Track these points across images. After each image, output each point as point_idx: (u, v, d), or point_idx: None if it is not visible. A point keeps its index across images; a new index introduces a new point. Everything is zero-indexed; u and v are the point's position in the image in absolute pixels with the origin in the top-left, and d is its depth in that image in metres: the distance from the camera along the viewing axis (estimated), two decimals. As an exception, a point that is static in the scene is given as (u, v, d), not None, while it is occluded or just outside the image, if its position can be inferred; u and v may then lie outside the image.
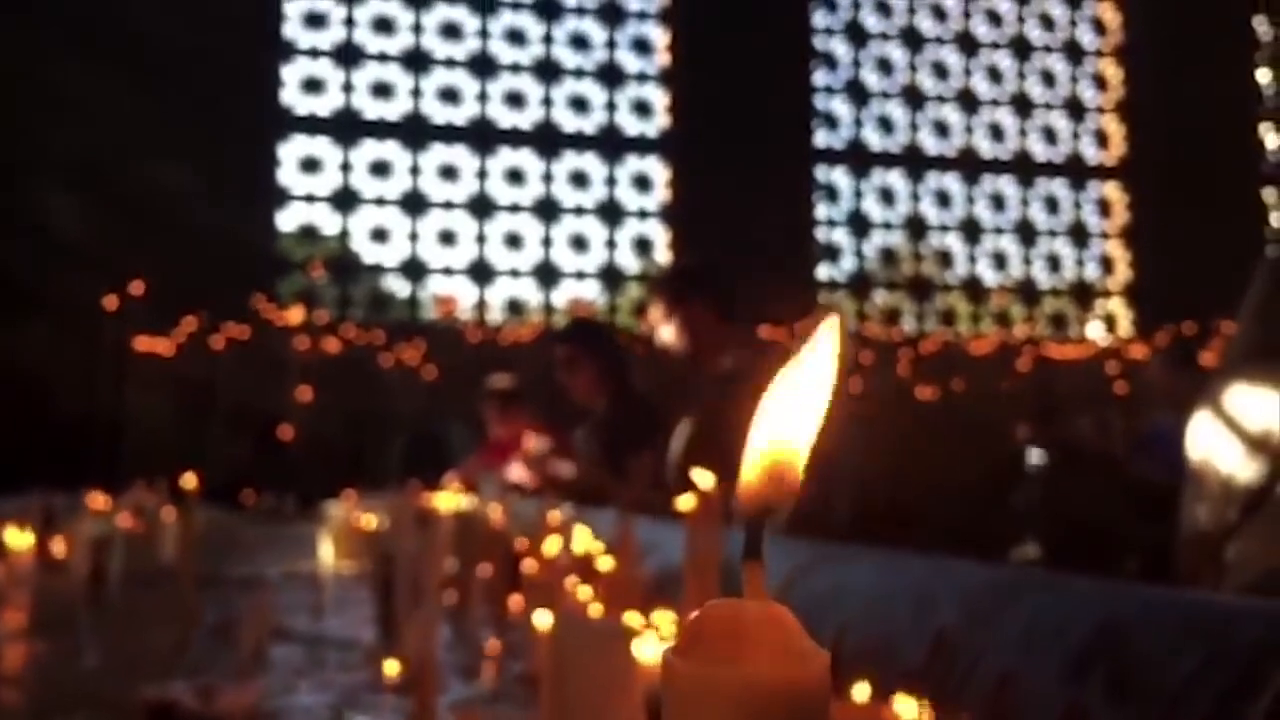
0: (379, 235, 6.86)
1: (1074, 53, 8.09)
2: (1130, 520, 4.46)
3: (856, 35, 7.69)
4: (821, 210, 7.47)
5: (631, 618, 1.11)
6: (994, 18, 7.98)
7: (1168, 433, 4.41)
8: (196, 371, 5.96)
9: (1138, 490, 4.48)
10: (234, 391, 6.02)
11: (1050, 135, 7.99)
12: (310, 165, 6.76)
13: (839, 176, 7.57)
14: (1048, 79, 8.04)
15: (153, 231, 6.00)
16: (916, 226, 7.71)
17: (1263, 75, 8.31)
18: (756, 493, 0.34)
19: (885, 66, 7.75)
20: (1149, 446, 4.58)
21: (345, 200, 6.80)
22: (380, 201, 6.87)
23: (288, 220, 6.73)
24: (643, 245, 7.26)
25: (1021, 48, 8.00)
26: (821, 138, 7.53)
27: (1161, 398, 4.59)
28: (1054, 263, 7.91)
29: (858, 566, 1.44)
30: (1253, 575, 1.87)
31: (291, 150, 6.73)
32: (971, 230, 7.77)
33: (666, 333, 3.13)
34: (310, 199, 6.75)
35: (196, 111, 6.17)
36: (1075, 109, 8.05)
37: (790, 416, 0.35)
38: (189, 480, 1.97)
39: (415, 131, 6.96)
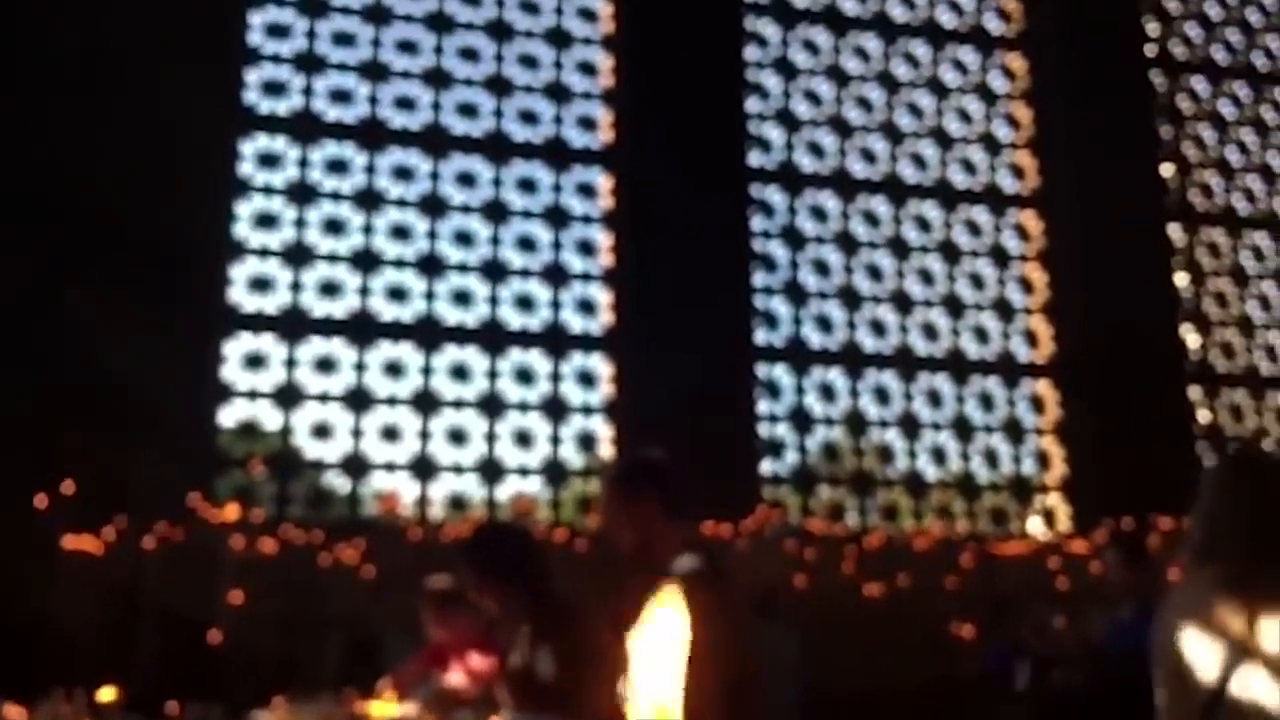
0: (321, 431, 6.82)
1: (1001, 257, 8.45)
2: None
3: (794, 239, 7.98)
4: (764, 406, 7.58)
5: None
6: (923, 223, 8.34)
7: (1132, 625, 4.50)
8: (125, 572, 5.77)
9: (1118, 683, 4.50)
10: (163, 594, 5.82)
11: (981, 334, 8.25)
12: (254, 361, 6.77)
13: (780, 373, 7.72)
14: (977, 281, 8.36)
15: (90, 426, 5.91)
16: (857, 422, 7.83)
17: (1180, 279, 8.72)
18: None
19: (822, 268, 8.02)
20: (1118, 639, 4.62)
21: (288, 396, 6.78)
22: (324, 398, 6.86)
23: (229, 416, 6.68)
24: (587, 441, 7.29)
25: (950, 252, 8.34)
26: (762, 335, 7.71)
27: (1120, 593, 4.70)
28: (992, 458, 8.03)
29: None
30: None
31: (236, 347, 6.75)
32: (910, 426, 7.90)
33: (615, 528, 3.10)
34: (253, 395, 6.73)
35: (145, 308, 6.18)
36: (1004, 310, 8.35)
37: (657, 682, 0.34)
38: (107, 693, 1.88)
39: (362, 329, 7.02)
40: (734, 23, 8.10)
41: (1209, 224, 9.01)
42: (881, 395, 7.91)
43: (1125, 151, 8.60)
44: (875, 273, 8.14)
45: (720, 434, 7.05)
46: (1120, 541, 5.14)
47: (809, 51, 8.39)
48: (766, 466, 7.52)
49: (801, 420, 7.66)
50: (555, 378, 7.28)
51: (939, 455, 7.93)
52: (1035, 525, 8.02)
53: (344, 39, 7.45)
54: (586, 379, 7.34)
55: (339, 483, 6.95)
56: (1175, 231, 8.82)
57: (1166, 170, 8.91)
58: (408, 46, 7.56)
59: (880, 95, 8.48)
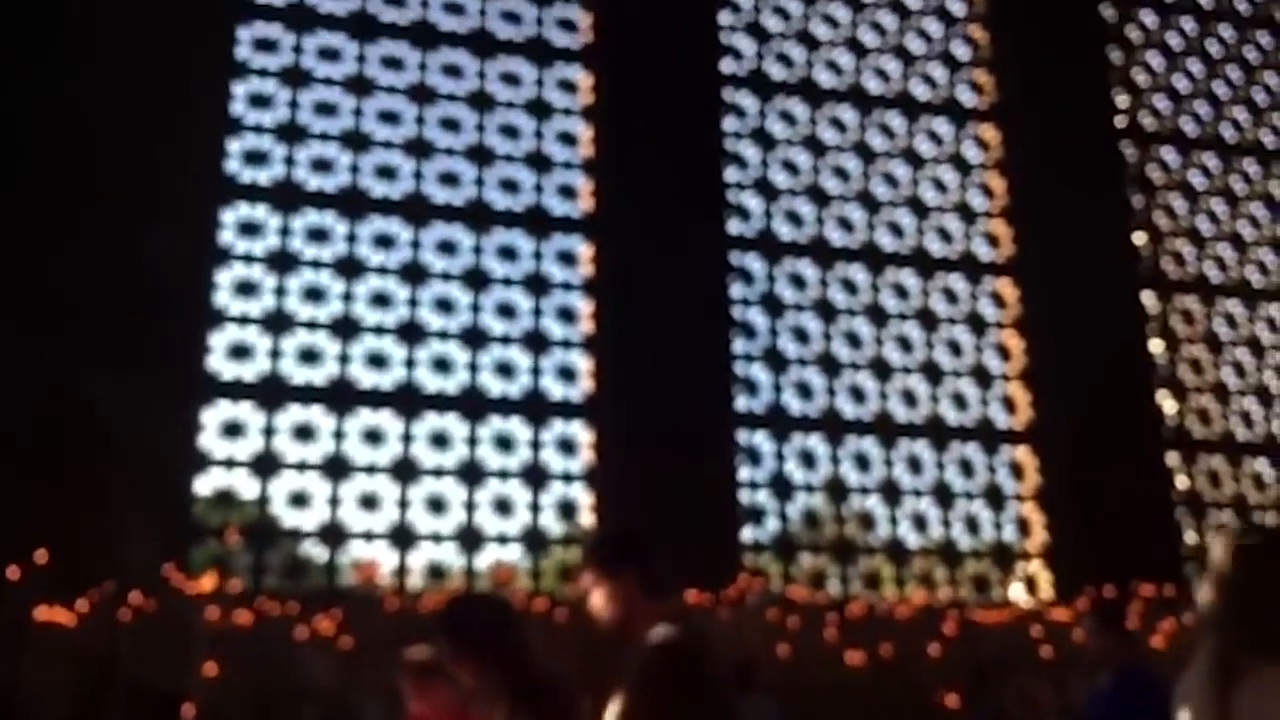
0: (299, 500, 6.76)
1: (978, 324, 8.52)
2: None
3: (773, 306, 8.03)
4: (744, 473, 7.56)
5: None
6: (901, 291, 8.42)
7: (1109, 692, 4.49)
8: (98, 644, 5.66)
9: None
10: (136, 666, 5.71)
11: (960, 401, 8.29)
12: (232, 430, 6.72)
13: (760, 440, 7.72)
14: (955, 348, 8.42)
15: (64, 495, 5.85)
16: (837, 489, 7.82)
17: (1155, 345, 8.80)
18: None
19: (801, 335, 8.06)
20: (1096, 707, 4.59)
21: (266, 465, 6.73)
22: (302, 466, 6.81)
23: (206, 485, 6.62)
24: (567, 509, 7.25)
25: (928, 319, 8.41)
26: (742, 402, 7.72)
27: (1098, 660, 4.68)
28: (973, 525, 8.03)
29: None
30: None
31: (214, 415, 6.71)
32: (891, 493, 7.90)
33: (596, 601, 3.08)
34: (230, 464, 6.67)
35: (122, 375, 6.16)
36: (982, 376, 8.40)
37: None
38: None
39: (341, 396, 6.99)
40: (713, 94, 8.22)
41: (1182, 291, 9.14)
42: (862, 462, 7.92)
43: (1098, 220, 8.73)
44: (854, 340, 8.19)
45: (701, 501, 7.04)
46: (1098, 609, 5.12)
47: (786, 122, 8.52)
48: (747, 534, 7.48)
49: (782, 487, 7.64)
50: (535, 445, 7.26)
51: (920, 522, 7.92)
52: (1017, 592, 7.99)
53: (326, 109, 7.52)
54: (567, 446, 7.33)
55: (316, 552, 6.88)
56: (1149, 299, 8.93)
57: (1139, 238, 9.04)
58: (389, 117, 7.63)
59: (857, 165, 8.60)
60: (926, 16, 9.16)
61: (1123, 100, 9.41)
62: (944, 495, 8.02)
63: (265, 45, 7.50)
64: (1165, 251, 9.19)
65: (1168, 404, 8.71)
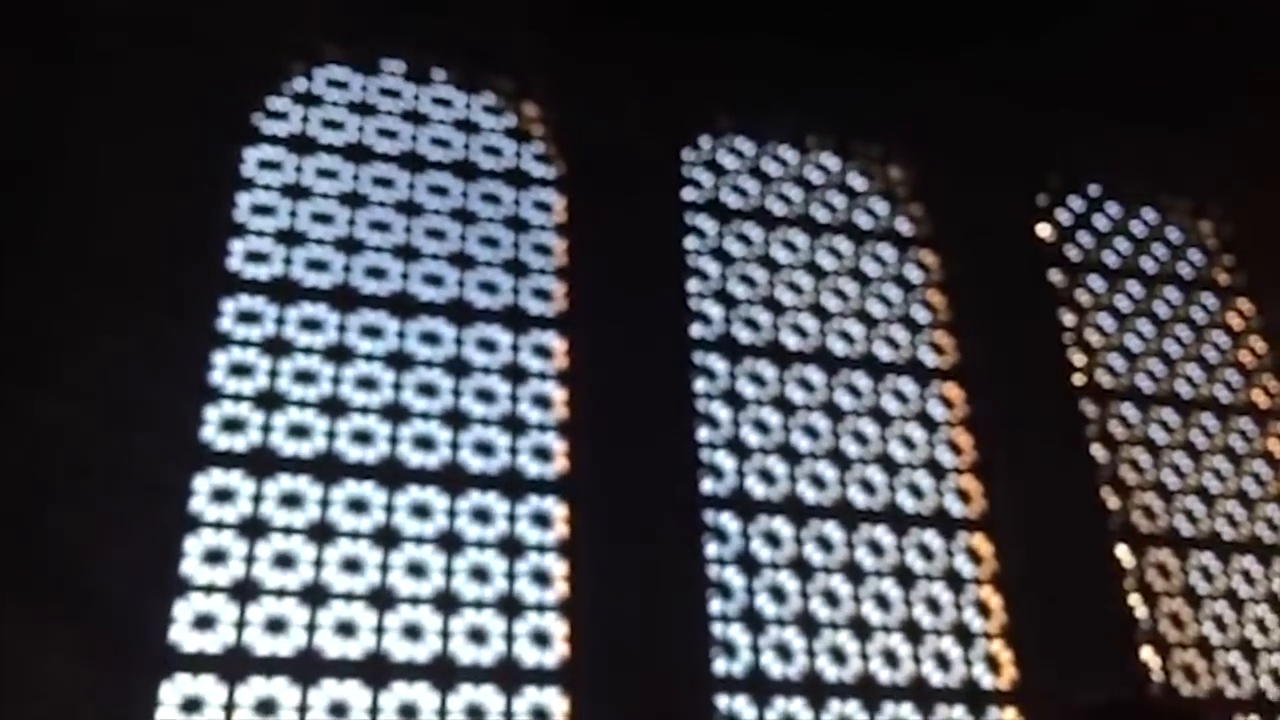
0: (258, 780, 6.42)
1: (955, 581, 8.45)
2: None
3: (750, 566, 7.97)
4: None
5: None
6: (876, 548, 8.39)
7: None
8: None
9: None
10: None
11: (943, 661, 8.11)
12: (192, 706, 6.46)
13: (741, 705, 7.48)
14: (933, 606, 8.31)
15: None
16: (822, 758, 7.53)
17: (1134, 600, 8.74)
18: None
19: (779, 595, 7.96)
20: None
21: (225, 742, 6.43)
22: (263, 743, 6.51)
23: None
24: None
25: (905, 576, 8.35)
26: (721, 665, 7.53)
27: None
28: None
29: None
30: None
31: (173, 690, 6.46)
32: (878, 761, 7.61)
33: None
34: (187, 741, 6.37)
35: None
36: (963, 634, 8.26)
37: None
38: None
39: (308, 668, 6.77)
40: (684, 357, 8.45)
41: (1155, 545, 9.16)
42: (846, 728, 7.66)
43: (1066, 475, 8.86)
44: (832, 599, 8.09)
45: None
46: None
47: (756, 384, 8.72)
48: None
49: (765, 757, 7.35)
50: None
51: (909, 792, 7.60)
52: None
53: (305, 377, 7.65)
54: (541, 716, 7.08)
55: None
56: (1124, 553, 8.94)
57: (1108, 494, 9.14)
58: (366, 383, 7.76)
59: (826, 424, 8.76)
60: (885, 283, 9.58)
61: (1079, 359, 9.73)
62: (933, 762, 7.72)
63: (249, 318, 7.72)
64: (1135, 505, 9.27)
65: (1153, 661, 8.56)
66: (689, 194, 9.26)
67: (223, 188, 7.96)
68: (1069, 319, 9.90)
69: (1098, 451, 9.31)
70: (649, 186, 9.00)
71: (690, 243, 9.03)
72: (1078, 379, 9.57)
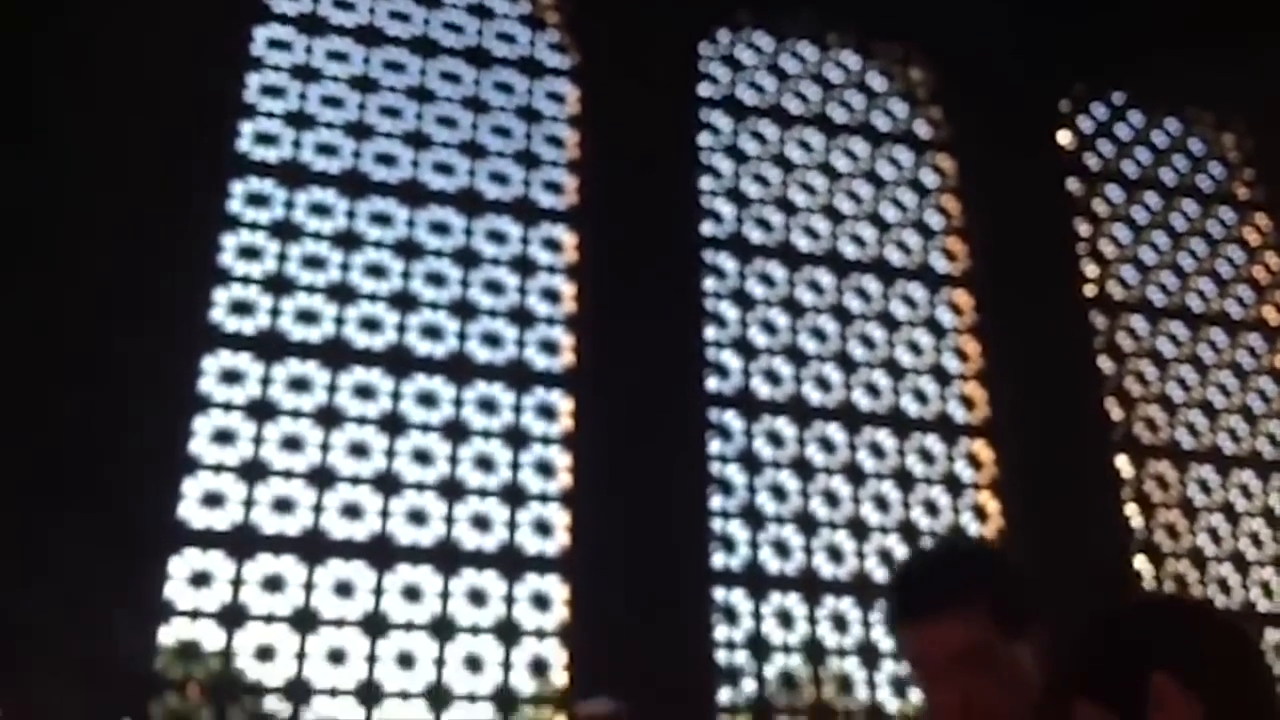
0: (264, 654, 6.59)
1: (954, 485, 8.54)
2: None
3: (752, 464, 8.05)
4: (721, 632, 7.45)
5: None
6: (878, 450, 8.45)
7: None
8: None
9: None
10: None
11: (939, 563, 8.22)
12: (200, 580, 6.60)
13: (739, 599, 7.63)
14: (931, 508, 8.41)
15: (15, 652, 5.71)
16: (815, 651, 7.70)
17: (1130, 510, 8.82)
18: None
19: (780, 493, 8.05)
20: None
21: (232, 616, 6.58)
22: (269, 618, 6.66)
23: (167, 635, 6.46)
24: (539, 667, 7.09)
25: (905, 480, 8.43)
26: (719, 559, 7.65)
27: None
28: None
29: None
30: None
31: (182, 564, 6.59)
32: (869, 655, 7.78)
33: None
34: (195, 615, 6.52)
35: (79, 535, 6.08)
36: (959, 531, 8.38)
37: None
38: None
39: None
40: (694, 256, 8.41)
41: (1155, 457, 9.21)
42: (839, 623, 7.81)
43: (1071, 385, 8.88)
44: (832, 499, 8.18)
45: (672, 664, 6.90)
46: None
47: (765, 284, 8.69)
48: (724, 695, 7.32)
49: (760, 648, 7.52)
50: (509, 600, 7.14)
51: (899, 687, 7.77)
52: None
53: (314, 262, 7.64)
54: (541, 601, 7.21)
55: (279, 707, 6.67)
56: (1124, 463, 9.00)
57: (1111, 404, 9.16)
58: (375, 270, 7.75)
59: (834, 327, 8.75)
60: (900, 187, 9.48)
61: (1091, 270, 9.67)
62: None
63: (257, 199, 7.68)
64: (1138, 418, 9.30)
65: (1145, 569, 8.68)
66: (705, 89, 9.12)
67: (231, 66, 7.86)
68: (1084, 229, 9.81)
69: (1104, 363, 9.31)
70: (664, 81, 8.85)
71: (704, 139, 8.93)
72: (1089, 289, 9.53)
